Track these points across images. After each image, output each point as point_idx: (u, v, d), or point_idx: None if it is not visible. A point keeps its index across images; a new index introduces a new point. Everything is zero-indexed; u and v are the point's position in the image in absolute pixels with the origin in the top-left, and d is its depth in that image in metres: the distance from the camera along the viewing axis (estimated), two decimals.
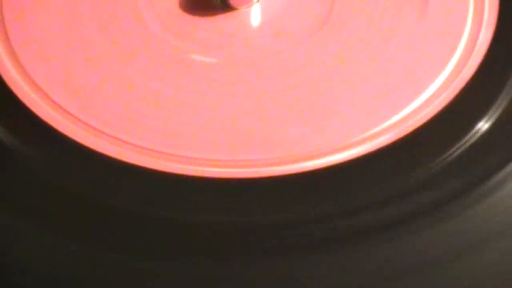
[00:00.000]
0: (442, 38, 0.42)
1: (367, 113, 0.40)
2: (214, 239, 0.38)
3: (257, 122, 0.40)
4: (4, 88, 0.41)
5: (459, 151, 0.39)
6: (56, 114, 0.40)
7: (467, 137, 0.39)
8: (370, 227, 0.37)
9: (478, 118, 0.39)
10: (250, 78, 0.41)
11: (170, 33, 0.41)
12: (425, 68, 0.41)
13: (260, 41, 0.41)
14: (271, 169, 0.39)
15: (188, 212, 0.39)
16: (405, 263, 0.36)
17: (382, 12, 0.43)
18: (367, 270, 0.37)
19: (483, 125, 0.39)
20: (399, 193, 0.38)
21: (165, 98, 0.41)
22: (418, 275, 0.36)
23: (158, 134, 0.40)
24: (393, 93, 0.40)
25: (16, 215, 0.38)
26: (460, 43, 0.41)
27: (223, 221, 0.38)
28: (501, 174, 0.38)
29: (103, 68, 0.41)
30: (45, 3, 0.43)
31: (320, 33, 0.42)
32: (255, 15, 0.42)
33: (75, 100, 0.40)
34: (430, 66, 0.41)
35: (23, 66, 0.41)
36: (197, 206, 0.38)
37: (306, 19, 0.42)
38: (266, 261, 0.37)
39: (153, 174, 0.39)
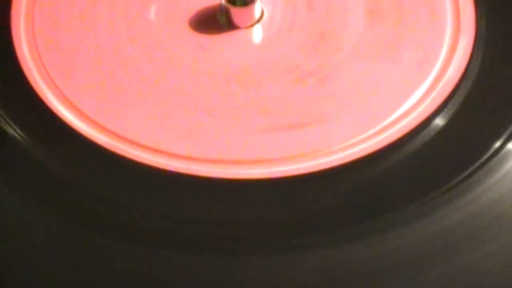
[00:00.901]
0: (421, 53, 0.43)
1: (352, 122, 0.41)
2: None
3: (257, 126, 0.41)
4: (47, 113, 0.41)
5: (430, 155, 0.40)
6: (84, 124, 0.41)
7: (430, 137, 0.40)
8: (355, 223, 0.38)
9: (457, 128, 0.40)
10: (251, 86, 0.42)
11: (182, 48, 0.43)
12: (403, 84, 0.42)
13: (259, 54, 0.43)
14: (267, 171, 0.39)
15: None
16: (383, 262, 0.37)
17: (365, 32, 0.44)
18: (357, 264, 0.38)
19: (439, 124, 0.41)
20: (386, 195, 0.39)
21: (181, 106, 0.42)
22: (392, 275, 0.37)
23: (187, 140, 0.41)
24: (375, 105, 0.41)
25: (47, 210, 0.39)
26: (437, 61, 0.42)
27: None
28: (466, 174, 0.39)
29: (125, 82, 0.42)
30: (73, 29, 0.44)
31: (310, 50, 0.43)
32: (256, 34, 0.44)
33: (101, 110, 0.42)
34: (407, 82, 0.42)
35: (62, 93, 0.42)
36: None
37: (298, 38, 0.43)
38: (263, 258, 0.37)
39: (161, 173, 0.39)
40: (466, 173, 0.39)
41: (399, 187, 0.39)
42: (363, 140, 0.40)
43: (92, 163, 0.41)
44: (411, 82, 0.42)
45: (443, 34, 0.44)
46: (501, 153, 0.40)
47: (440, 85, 0.42)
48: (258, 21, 0.44)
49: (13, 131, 0.42)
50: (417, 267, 0.37)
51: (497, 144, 0.40)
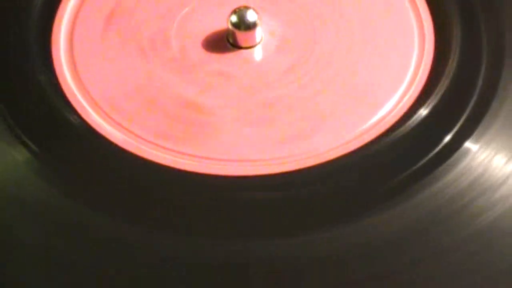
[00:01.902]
0: (394, 69, 0.46)
1: (340, 126, 0.43)
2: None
3: (258, 127, 0.44)
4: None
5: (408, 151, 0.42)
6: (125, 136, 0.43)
7: (407, 135, 0.43)
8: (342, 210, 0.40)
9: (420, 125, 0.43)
10: (252, 94, 0.45)
11: (196, 64, 0.46)
12: (381, 90, 0.45)
13: (259, 70, 0.46)
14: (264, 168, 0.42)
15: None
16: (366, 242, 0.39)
17: (349, 51, 0.46)
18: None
19: (415, 122, 0.43)
20: (367, 185, 0.41)
21: (192, 110, 0.44)
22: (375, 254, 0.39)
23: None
24: (359, 111, 0.44)
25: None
26: (408, 72, 0.45)
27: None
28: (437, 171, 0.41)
29: (147, 90, 0.45)
30: (105, 50, 0.47)
31: (302, 66, 0.46)
32: (257, 53, 0.46)
33: (125, 115, 0.44)
34: (384, 90, 0.45)
35: (95, 100, 0.45)
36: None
37: (293, 55, 0.46)
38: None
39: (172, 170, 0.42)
40: (429, 170, 0.41)
41: (377, 178, 0.42)
42: (349, 141, 0.43)
43: (113, 160, 0.43)
44: (384, 93, 0.45)
45: (411, 51, 0.46)
46: (459, 152, 0.42)
47: (408, 95, 0.44)
48: (259, 43, 0.46)
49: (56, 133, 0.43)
50: (392, 249, 0.39)
51: (456, 144, 0.42)
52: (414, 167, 0.42)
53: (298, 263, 0.39)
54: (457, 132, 0.43)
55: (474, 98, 0.45)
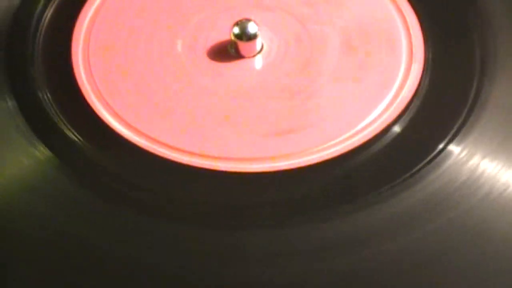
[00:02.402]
0: (383, 79, 0.46)
1: (329, 129, 0.44)
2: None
3: (256, 128, 0.44)
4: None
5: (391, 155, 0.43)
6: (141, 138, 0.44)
7: (393, 143, 0.43)
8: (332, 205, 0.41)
9: (404, 130, 0.44)
10: (254, 101, 0.45)
11: (200, 73, 0.46)
12: (369, 99, 0.45)
13: (260, 77, 0.46)
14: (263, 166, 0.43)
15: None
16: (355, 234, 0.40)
17: (340, 60, 0.47)
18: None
19: (399, 130, 0.44)
20: (355, 182, 0.42)
21: (201, 114, 0.45)
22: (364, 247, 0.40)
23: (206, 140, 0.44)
24: (348, 116, 0.44)
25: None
26: (395, 82, 0.46)
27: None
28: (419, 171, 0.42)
29: (159, 95, 0.45)
30: (119, 59, 0.47)
31: (298, 74, 0.46)
32: (257, 61, 0.47)
33: (141, 119, 0.44)
34: (372, 98, 0.45)
35: (110, 106, 0.45)
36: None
37: (291, 63, 0.46)
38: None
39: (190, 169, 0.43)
40: (416, 168, 0.42)
41: (365, 179, 0.42)
42: (338, 143, 0.43)
43: (131, 160, 0.44)
44: (375, 99, 0.45)
45: (399, 62, 0.46)
46: (443, 153, 0.43)
47: (397, 101, 0.45)
48: (259, 52, 0.47)
49: (75, 137, 0.44)
50: (378, 239, 0.40)
51: (441, 146, 0.43)
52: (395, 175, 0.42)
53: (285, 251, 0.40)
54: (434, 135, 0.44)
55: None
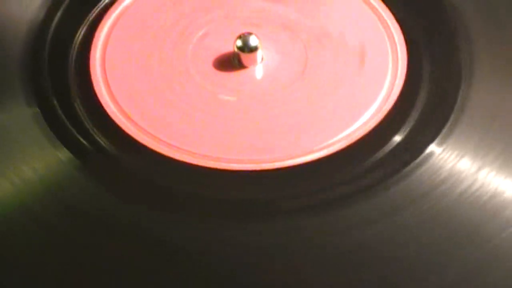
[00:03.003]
0: (371, 86, 0.46)
1: (322, 133, 0.44)
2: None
3: (257, 133, 0.44)
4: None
5: (380, 154, 0.44)
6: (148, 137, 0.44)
7: (387, 146, 0.44)
8: (331, 200, 0.41)
9: (393, 134, 0.44)
10: (255, 107, 0.46)
11: (207, 81, 0.47)
12: (359, 105, 0.46)
13: (260, 86, 0.46)
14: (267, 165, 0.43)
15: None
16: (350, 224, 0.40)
17: (334, 71, 0.47)
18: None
19: (396, 138, 0.44)
20: (347, 179, 0.43)
21: (206, 121, 0.45)
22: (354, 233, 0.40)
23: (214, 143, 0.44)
24: (339, 121, 0.45)
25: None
26: (382, 90, 0.46)
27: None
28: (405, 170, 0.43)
29: (170, 101, 0.46)
30: (133, 68, 0.47)
31: (297, 82, 0.47)
32: (258, 71, 0.47)
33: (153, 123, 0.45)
34: (360, 105, 0.46)
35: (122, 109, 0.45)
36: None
37: (288, 73, 0.47)
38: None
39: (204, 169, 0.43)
40: (402, 166, 0.43)
41: (355, 175, 0.43)
42: (330, 144, 0.44)
43: (142, 159, 0.44)
44: (364, 105, 0.45)
45: (386, 73, 0.47)
46: (425, 153, 0.43)
47: (384, 107, 0.45)
48: (260, 63, 0.47)
49: (93, 140, 0.44)
50: (361, 229, 0.40)
51: (423, 147, 0.43)
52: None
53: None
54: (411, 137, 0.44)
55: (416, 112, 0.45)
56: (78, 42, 0.48)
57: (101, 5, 0.49)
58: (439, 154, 0.43)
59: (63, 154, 0.43)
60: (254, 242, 0.40)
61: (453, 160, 0.43)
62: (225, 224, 0.41)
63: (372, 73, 0.47)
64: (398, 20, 0.49)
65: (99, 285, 0.38)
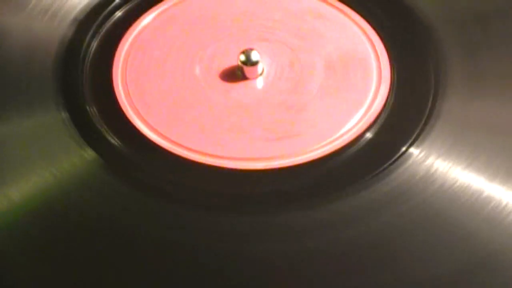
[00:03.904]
0: (358, 95, 0.48)
1: (315, 136, 0.46)
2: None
3: (257, 132, 0.46)
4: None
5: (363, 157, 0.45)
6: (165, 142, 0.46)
7: (365, 147, 0.46)
8: (317, 193, 0.43)
9: (378, 139, 0.47)
10: (256, 113, 0.48)
11: (215, 90, 0.49)
12: (347, 111, 0.47)
13: (261, 95, 0.49)
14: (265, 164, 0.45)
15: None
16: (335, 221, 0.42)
17: (324, 81, 0.49)
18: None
19: (369, 136, 0.46)
20: (338, 177, 0.44)
21: (215, 122, 0.47)
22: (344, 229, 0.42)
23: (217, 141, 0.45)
24: (329, 125, 0.47)
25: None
26: (367, 98, 0.48)
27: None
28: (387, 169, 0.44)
29: (181, 108, 0.48)
30: (151, 79, 0.49)
31: (291, 92, 0.49)
32: (259, 82, 0.49)
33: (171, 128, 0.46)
34: (350, 111, 0.47)
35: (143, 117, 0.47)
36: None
37: (283, 85, 0.49)
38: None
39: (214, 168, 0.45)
40: (384, 166, 0.44)
41: (343, 175, 0.44)
42: (322, 146, 0.46)
43: (157, 159, 0.45)
44: (351, 112, 0.47)
45: (370, 83, 0.49)
46: (405, 155, 0.45)
47: (369, 113, 0.47)
48: (260, 74, 0.49)
49: (115, 142, 0.46)
50: (352, 223, 0.42)
51: (403, 149, 0.45)
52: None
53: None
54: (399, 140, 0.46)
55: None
56: (99, 57, 0.50)
57: (117, 21, 0.52)
58: (417, 156, 0.45)
59: (89, 154, 0.45)
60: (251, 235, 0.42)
61: (429, 160, 0.44)
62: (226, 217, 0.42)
63: (358, 85, 0.49)
64: (383, 39, 0.51)
65: (127, 276, 0.40)
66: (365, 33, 0.50)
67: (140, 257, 0.40)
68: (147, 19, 0.52)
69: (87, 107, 0.48)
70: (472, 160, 0.44)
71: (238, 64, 0.48)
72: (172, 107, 0.48)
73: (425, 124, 0.46)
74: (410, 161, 0.44)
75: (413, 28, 0.50)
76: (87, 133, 0.46)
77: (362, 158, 0.45)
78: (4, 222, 0.41)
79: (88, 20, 0.52)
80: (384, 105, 0.47)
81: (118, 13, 0.52)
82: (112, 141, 0.46)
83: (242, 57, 0.48)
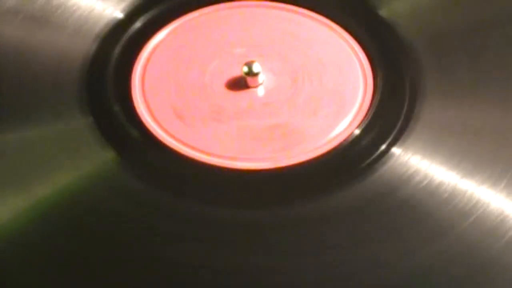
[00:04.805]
0: (346, 103, 0.51)
1: (310, 138, 0.49)
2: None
3: (258, 133, 0.49)
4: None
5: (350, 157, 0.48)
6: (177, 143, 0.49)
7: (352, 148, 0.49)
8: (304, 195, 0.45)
9: (363, 139, 0.49)
10: (256, 117, 0.51)
11: (221, 98, 0.52)
12: (337, 117, 0.50)
13: (261, 101, 0.51)
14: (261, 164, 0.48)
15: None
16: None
17: (315, 91, 0.52)
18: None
19: (357, 135, 0.49)
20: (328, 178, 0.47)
21: (223, 125, 0.50)
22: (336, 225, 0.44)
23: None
24: (319, 130, 0.49)
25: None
26: (354, 105, 0.51)
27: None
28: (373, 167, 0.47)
29: (192, 113, 0.50)
30: (165, 86, 0.52)
31: (289, 99, 0.52)
32: (260, 91, 0.52)
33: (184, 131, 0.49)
34: (339, 117, 0.50)
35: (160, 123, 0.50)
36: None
37: (281, 94, 0.52)
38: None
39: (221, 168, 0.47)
40: (368, 165, 0.47)
41: (333, 173, 0.48)
42: (316, 148, 0.49)
43: (171, 159, 0.48)
44: (341, 117, 0.50)
45: (357, 92, 0.52)
46: (387, 154, 0.48)
47: (356, 118, 0.51)
48: (261, 84, 0.52)
49: (133, 143, 0.49)
50: (341, 216, 0.44)
51: (386, 148, 0.48)
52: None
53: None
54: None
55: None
56: (122, 69, 0.53)
57: (134, 36, 0.55)
58: (399, 155, 0.48)
59: (111, 156, 0.48)
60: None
61: (410, 160, 0.47)
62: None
63: (346, 94, 0.52)
64: (364, 49, 0.54)
65: (154, 271, 0.42)
66: (354, 53, 0.54)
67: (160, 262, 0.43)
68: (162, 34, 0.55)
69: (110, 112, 0.51)
70: (449, 157, 0.48)
71: (242, 75, 0.52)
72: (183, 112, 0.51)
73: (406, 126, 0.49)
74: (392, 160, 0.47)
75: (391, 41, 0.54)
76: (109, 134, 0.49)
77: (349, 158, 0.49)
78: (30, 220, 0.43)
79: (109, 36, 0.55)
80: (368, 111, 0.51)
81: (138, 25, 0.55)
82: (131, 142, 0.50)
83: (245, 69, 0.51)
